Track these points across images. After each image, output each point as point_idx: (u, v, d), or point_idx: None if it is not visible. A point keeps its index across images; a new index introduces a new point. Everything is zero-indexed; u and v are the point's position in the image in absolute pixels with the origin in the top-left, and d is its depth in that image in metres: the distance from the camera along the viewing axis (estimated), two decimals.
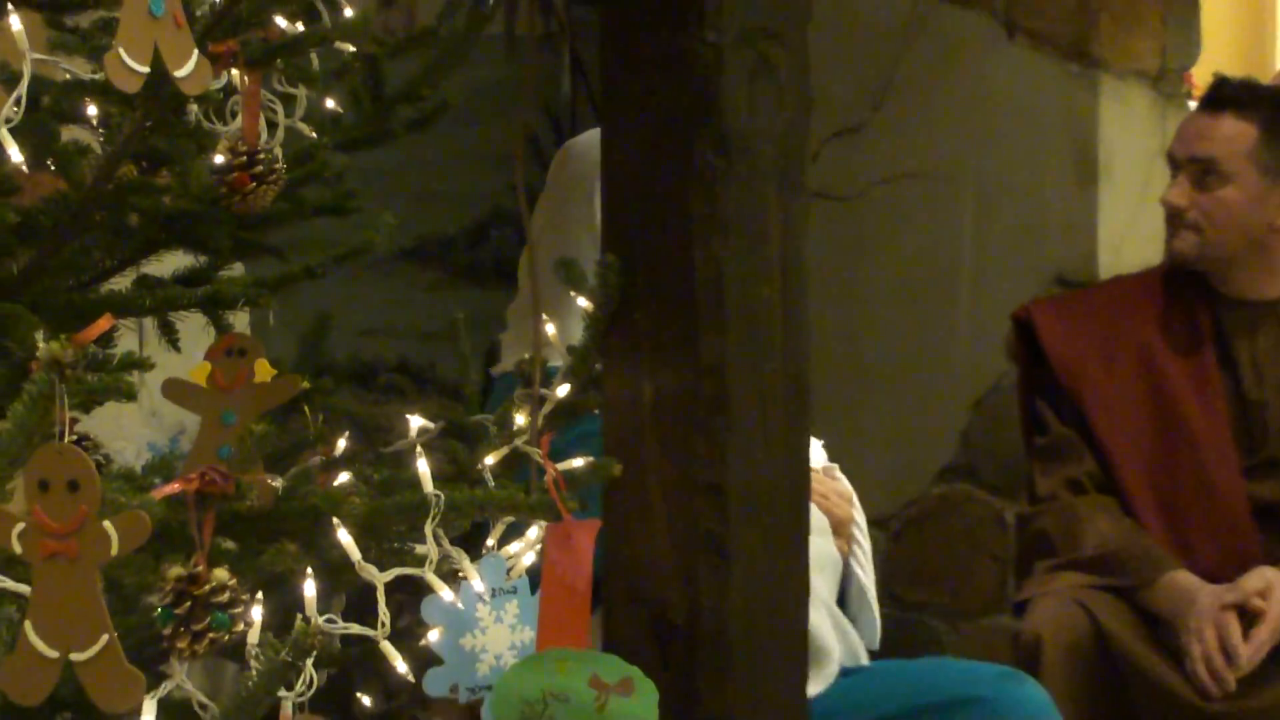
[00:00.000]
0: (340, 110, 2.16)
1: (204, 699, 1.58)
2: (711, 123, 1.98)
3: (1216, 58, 4.94)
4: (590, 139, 2.69)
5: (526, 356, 2.05)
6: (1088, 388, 3.45)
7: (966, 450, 4.12)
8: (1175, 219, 3.41)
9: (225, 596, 1.55)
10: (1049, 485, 3.44)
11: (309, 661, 1.57)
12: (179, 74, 1.61)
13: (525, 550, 1.91)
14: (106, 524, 1.43)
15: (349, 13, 2.00)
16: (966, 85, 4.13)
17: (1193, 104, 3.76)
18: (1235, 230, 3.38)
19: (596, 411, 2.04)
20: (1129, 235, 3.99)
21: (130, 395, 1.73)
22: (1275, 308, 3.44)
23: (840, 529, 2.84)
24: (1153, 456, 3.40)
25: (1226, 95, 3.46)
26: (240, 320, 2.20)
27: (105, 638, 1.44)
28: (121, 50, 1.58)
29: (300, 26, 1.91)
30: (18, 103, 1.58)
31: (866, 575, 2.90)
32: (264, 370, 1.80)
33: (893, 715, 2.71)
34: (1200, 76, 4.29)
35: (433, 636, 1.81)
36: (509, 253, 2.89)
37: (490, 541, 1.93)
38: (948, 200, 4.14)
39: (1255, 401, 3.41)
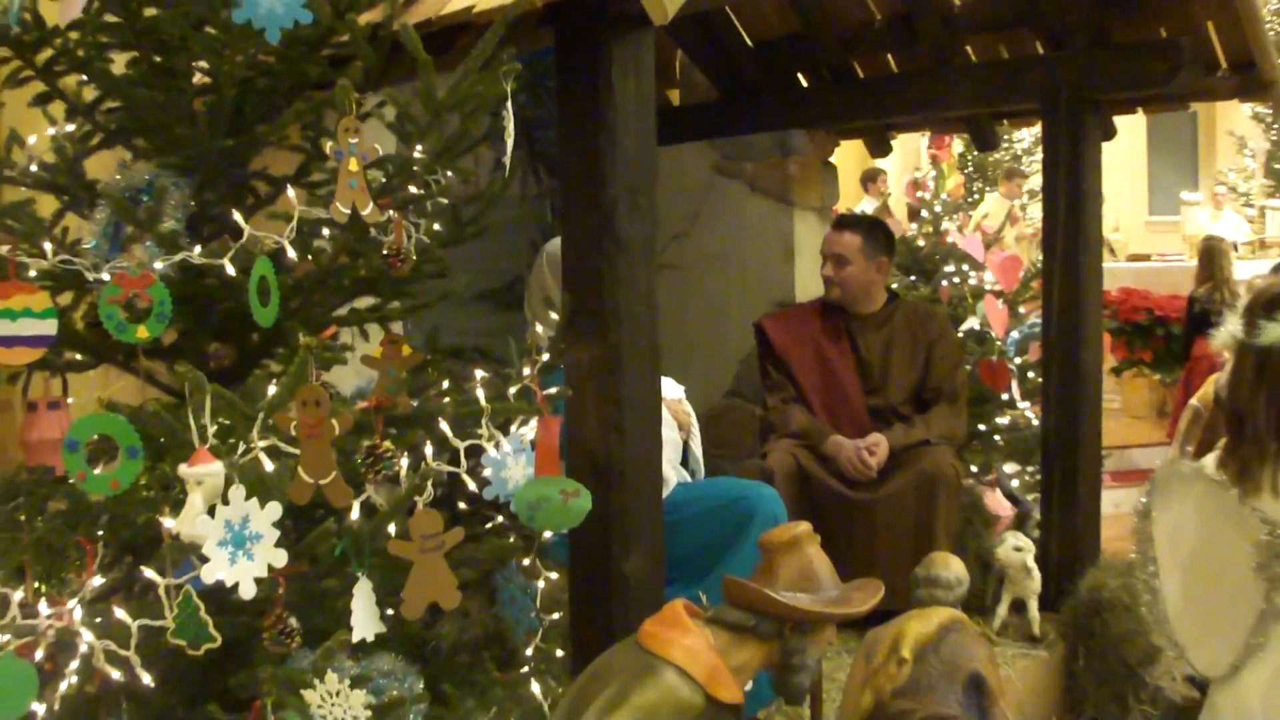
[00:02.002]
0: (440, 228, 2.15)
1: (381, 501, 1.60)
2: (612, 231, 1.99)
3: (846, 200, 5.03)
4: (556, 242, 2.72)
5: (529, 342, 2.06)
6: (790, 356, 3.50)
7: (737, 382, 4.17)
8: (828, 283, 3.48)
9: (390, 454, 1.56)
10: (774, 401, 3.48)
11: (429, 482, 1.58)
12: (364, 213, 1.63)
13: (529, 431, 1.91)
14: (333, 420, 1.45)
15: (443, 182, 1.99)
16: (732, 214, 4.17)
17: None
18: (857, 286, 3.45)
19: (562, 366, 2.03)
20: (808, 284, 4.06)
21: (343, 363, 1.76)
22: (874, 316, 3.52)
23: (683, 428, 2.89)
24: (821, 388, 3.45)
25: (846, 221, 3.54)
26: (396, 327, 2.19)
27: (334, 473, 1.47)
28: (337, 203, 1.61)
29: (421, 190, 1.91)
30: (291, 230, 1.61)
31: (697, 449, 2.94)
32: (406, 350, 1.79)
33: (705, 504, 2.73)
34: (840, 209, 4.38)
35: (486, 472, 1.80)
36: (523, 294, 2.90)
37: (514, 427, 1.92)
38: (726, 269, 4.18)
39: (867, 361, 3.48)
